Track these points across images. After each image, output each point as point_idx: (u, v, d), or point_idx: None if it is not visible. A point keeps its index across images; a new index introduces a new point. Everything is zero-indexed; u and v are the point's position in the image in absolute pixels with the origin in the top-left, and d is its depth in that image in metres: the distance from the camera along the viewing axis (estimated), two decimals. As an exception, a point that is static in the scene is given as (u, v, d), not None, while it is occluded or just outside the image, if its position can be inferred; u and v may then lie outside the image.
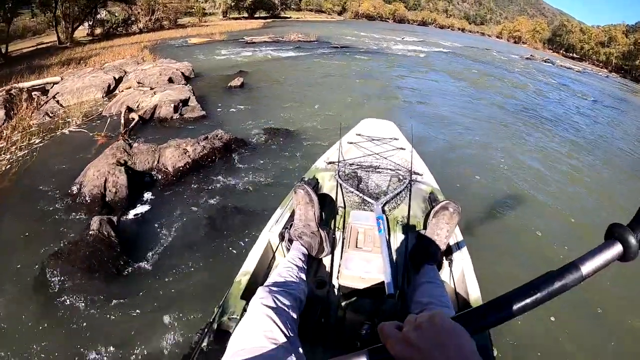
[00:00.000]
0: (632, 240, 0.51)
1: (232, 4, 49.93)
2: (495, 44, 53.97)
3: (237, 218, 3.74)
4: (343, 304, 1.67)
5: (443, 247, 1.71)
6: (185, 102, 7.26)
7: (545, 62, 31.79)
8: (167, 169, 4.54)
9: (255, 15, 53.89)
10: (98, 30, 31.25)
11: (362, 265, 1.64)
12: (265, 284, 1.41)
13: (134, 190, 4.13)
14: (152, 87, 8.68)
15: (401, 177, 2.48)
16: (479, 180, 5.28)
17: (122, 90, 8.53)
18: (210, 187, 4.35)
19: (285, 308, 1.27)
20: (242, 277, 1.69)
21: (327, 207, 2.24)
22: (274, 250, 1.94)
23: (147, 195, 4.15)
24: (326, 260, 1.88)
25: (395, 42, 26.24)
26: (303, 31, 25.51)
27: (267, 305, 1.23)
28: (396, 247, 1.96)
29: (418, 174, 2.61)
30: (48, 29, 28.49)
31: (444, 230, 1.70)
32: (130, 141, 5.15)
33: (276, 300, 1.27)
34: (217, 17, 48.08)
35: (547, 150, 7.36)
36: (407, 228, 2.02)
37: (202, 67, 11.85)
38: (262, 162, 5.03)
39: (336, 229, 2.03)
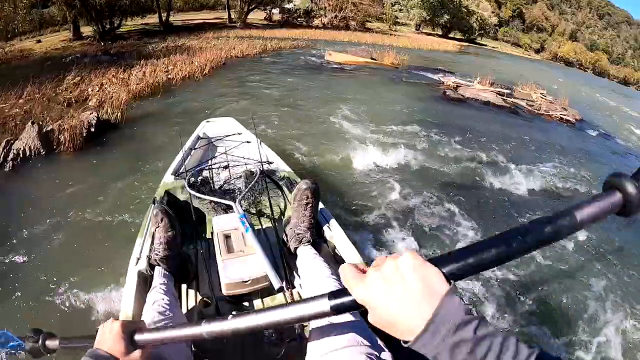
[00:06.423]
0: (633, 190, 0.38)
1: (427, 18, 38.33)
2: None
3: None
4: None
5: (312, 224, 1.51)
6: None
7: None
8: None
9: (450, 35, 41.19)
10: (277, 17, 25.31)
11: (241, 269, 1.35)
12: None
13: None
14: None
15: (253, 170, 2.11)
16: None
17: None
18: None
19: (172, 346, 0.94)
20: None
21: (188, 221, 1.72)
22: (149, 283, 1.39)
23: None
24: (204, 277, 1.48)
25: None
26: (547, 86, 11.51)
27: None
28: (268, 240, 1.66)
29: (269, 162, 2.24)
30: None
31: (308, 209, 1.50)
32: None
33: None
34: (409, 28, 37.97)
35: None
36: (274, 218, 1.78)
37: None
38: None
39: (203, 241, 1.67)
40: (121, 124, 4.34)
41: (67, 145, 3.67)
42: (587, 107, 10.91)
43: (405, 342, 0.39)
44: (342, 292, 0.45)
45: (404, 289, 0.38)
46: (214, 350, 1.19)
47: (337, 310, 0.46)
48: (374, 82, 8.19)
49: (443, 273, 0.39)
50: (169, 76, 6.99)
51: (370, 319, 0.42)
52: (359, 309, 0.44)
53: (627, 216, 0.40)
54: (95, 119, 4.06)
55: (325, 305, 0.46)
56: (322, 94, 6.54)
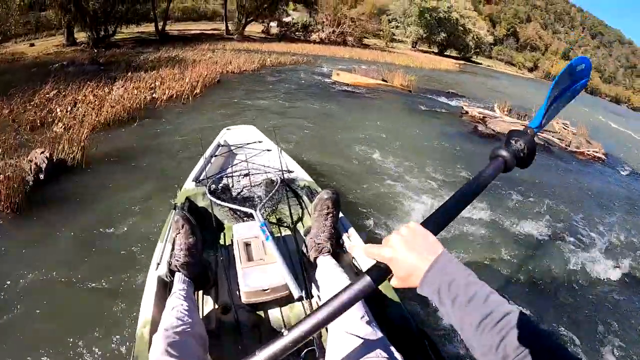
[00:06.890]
0: (507, 154, 0.63)
1: (424, 35, 38.18)
2: None
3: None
4: (254, 322, 1.32)
5: (332, 235, 1.46)
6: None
7: None
8: None
9: (445, 53, 41.11)
10: (274, 30, 24.74)
11: (261, 277, 1.32)
12: (158, 332, 1.00)
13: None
14: None
15: (274, 179, 2.08)
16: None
17: None
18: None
19: (190, 351, 0.97)
20: (143, 329, 1.18)
21: (208, 228, 1.72)
22: (169, 289, 1.37)
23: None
24: (223, 284, 1.44)
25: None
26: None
27: (171, 355, 0.89)
28: (288, 249, 1.62)
29: (289, 171, 2.19)
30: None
31: (328, 219, 1.46)
32: None
33: (177, 347, 0.93)
34: (406, 45, 37.88)
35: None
36: (294, 227, 1.77)
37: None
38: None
39: (223, 248, 1.63)
40: (81, 167, 3.34)
41: (3, 204, 2.67)
42: (599, 133, 10.22)
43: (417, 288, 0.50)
44: (375, 265, 0.54)
45: (417, 244, 0.51)
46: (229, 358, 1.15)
47: (377, 279, 0.52)
48: (393, 110, 7.37)
49: (430, 231, 0.53)
50: (154, 95, 6.03)
51: (394, 274, 0.52)
52: (389, 274, 0.53)
53: (508, 171, 0.64)
54: (46, 161, 3.08)
55: (368, 279, 0.52)
56: (337, 124, 5.65)
